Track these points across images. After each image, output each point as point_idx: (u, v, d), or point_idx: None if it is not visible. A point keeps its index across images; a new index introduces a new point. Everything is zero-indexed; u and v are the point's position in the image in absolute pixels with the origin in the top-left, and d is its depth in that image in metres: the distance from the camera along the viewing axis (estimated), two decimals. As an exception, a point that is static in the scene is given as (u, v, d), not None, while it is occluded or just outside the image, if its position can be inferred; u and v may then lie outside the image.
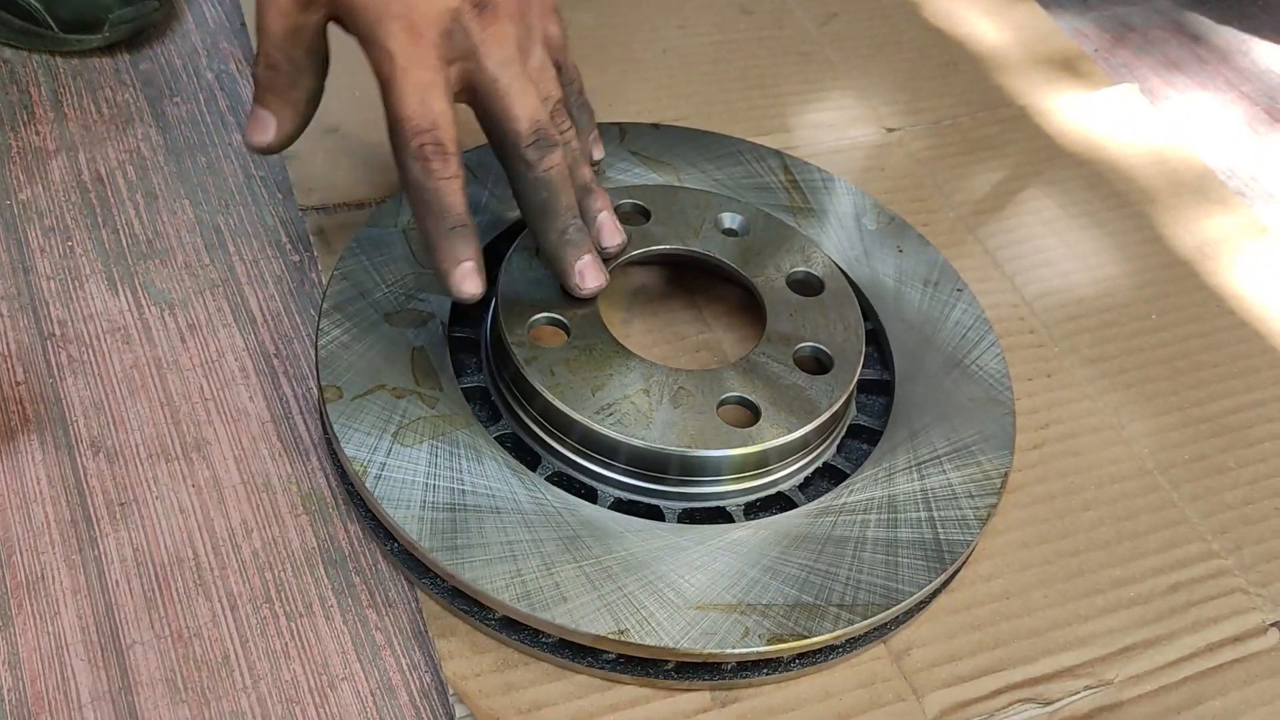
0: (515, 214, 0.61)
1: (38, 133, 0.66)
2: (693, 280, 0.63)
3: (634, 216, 0.59)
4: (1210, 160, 0.78)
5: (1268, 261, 0.70)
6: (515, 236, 0.58)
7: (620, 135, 0.66)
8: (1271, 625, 0.53)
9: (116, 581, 0.48)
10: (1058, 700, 0.49)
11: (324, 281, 0.58)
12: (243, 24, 0.74)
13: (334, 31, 0.71)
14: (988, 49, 0.83)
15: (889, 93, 0.78)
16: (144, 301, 0.59)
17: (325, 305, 0.55)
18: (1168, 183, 0.74)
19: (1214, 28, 0.91)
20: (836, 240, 0.63)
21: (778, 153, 0.67)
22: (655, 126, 0.67)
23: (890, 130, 0.76)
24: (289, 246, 0.63)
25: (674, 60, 0.78)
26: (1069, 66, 0.82)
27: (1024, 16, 0.87)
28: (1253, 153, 0.80)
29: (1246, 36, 0.91)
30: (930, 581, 0.49)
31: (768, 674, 0.48)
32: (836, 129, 0.75)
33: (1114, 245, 0.70)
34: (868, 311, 0.60)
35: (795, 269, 0.58)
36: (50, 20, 0.68)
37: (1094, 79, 0.82)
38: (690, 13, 0.82)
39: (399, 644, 0.48)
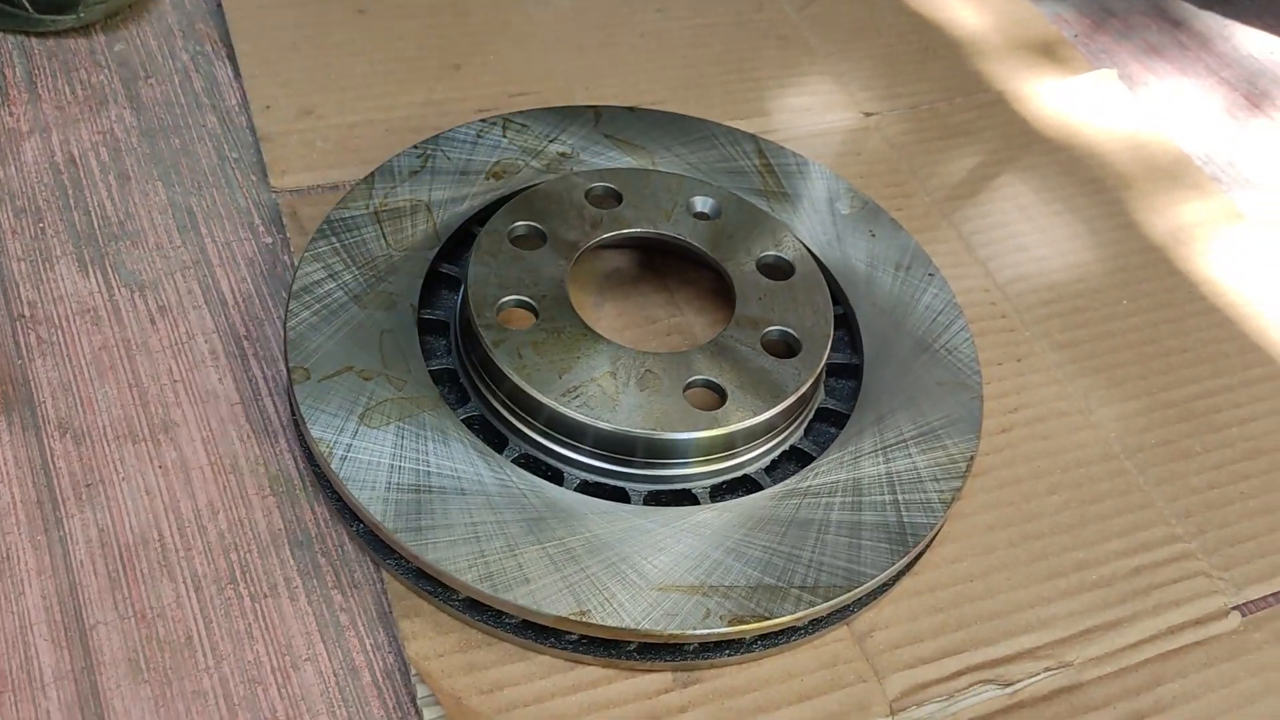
0: (487, 197, 0.61)
1: (11, 114, 0.66)
2: (664, 263, 0.64)
3: (606, 200, 0.59)
4: (1188, 146, 0.78)
5: (1241, 247, 0.70)
6: (486, 220, 0.58)
7: (595, 119, 0.66)
8: (1233, 609, 0.54)
9: (81, 562, 0.49)
10: (1018, 681, 0.50)
11: (296, 264, 0.58)
12: (219, 5, 0.73)
13: (312, 15, 0.71)
14: (967, 34, 0.83)
15: (867, 78, 0.78)
16: (114, 283, 0.59)
17: (295, 287, 0.55)
18: (1143, 169, 0.74)
19: (1196, 13, 0.91)
20: (809, 224, 0.63)
21: (752, 137, 0.67)
22: (631, 110, 0.67)
23: (868, 115, 0.76)
24: (261, 229, 0.63)
25: (652, 43, 0.78)
26: (1048, 52, 0.82)
27: (1004, 1, 0.86)
28: (1230, 139, 0.80)
29: (1228, 22, 0.91)
30: (892, 564, 0.49)
31: (730, 655, 0.48)
32: (814, 113, 0.75)
33: (1088, 231, 0.70)
34: (839, 296, 0.60)
35: (766, 253, 0.58)
36: (25, 0, 0.68)
37: (1073, 64, 0.81)
38: (669, -4, 0.82)
39: (363, 625, 0.49)
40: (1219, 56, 0.87)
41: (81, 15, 0.69)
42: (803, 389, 0.53)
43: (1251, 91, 0.85)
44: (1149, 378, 0.63)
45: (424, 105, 0.70)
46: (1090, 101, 0.78)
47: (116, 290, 0.58)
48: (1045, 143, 0.75)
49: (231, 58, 0.71)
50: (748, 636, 0.48)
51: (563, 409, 0.50)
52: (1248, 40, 0.89)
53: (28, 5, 0.69)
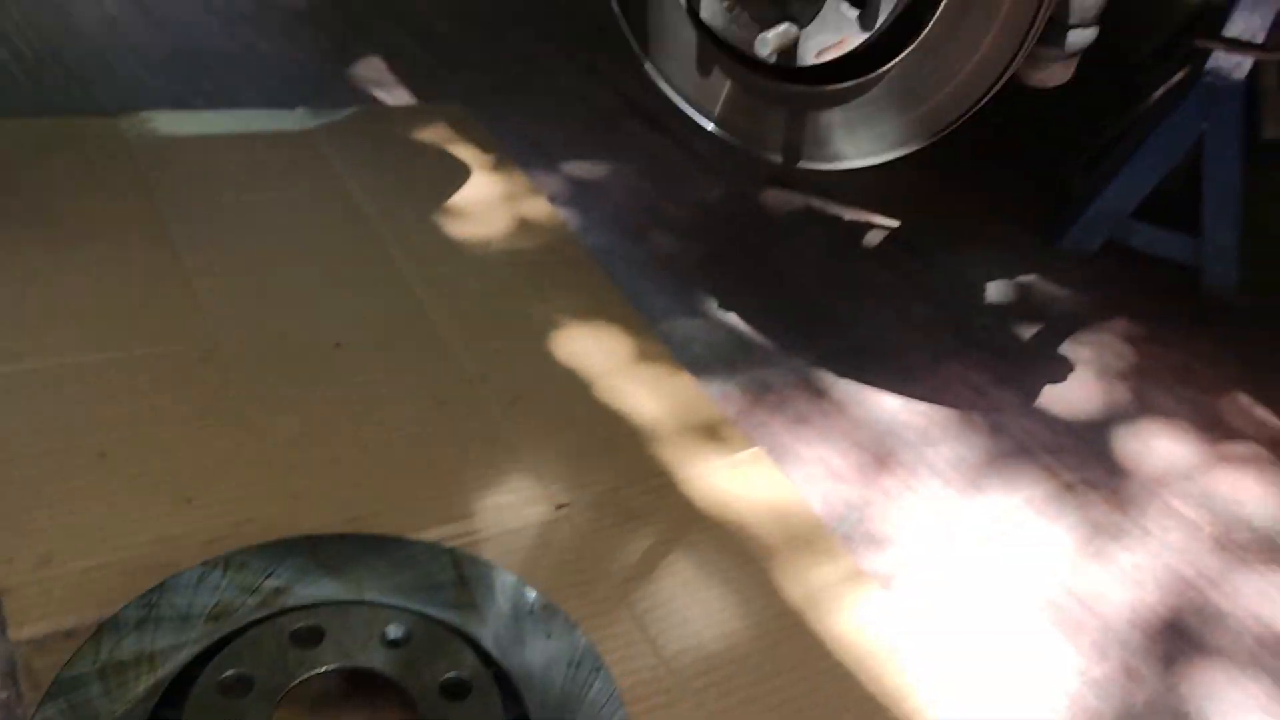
0: (206, 642, 0.70)
1: None
2: (369, 683, 0.73)
3: (309, 639, 0.70)
4: (826, 509, 0.95)
5: (860, 605, 0.86)
6: (206, 661, 0.67)
7: (310, 548, 0.77)
8: None
9: None
10: None
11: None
12: (-33, 460, 0.82)
13: (55, 463, 0.80)
14: (646, 421, 0.99)
15: (560, 470, 0.93)
16: None
17: (22, 753, 0.62)
18: (784, 538, 0.90)
19: (836, 381, 1.11)
20: (494, 632, 0.74)
21: (450, 550, 0.79)
22: (343, 537, 0.79)
23: (559, 506, 0.89)
24: (-2, 683, 0.69)
25: (371, 458, 0.90)
26: (711, 432, 0.99)
27: (677, 387, 1.04)
28: (861, 498, 0.98)
29: (862, 387, 1.11)
30: None
31: None
32: (513, 509, 0.88)
33: (739, 600, 0.84)
34: (519, 697, 0.71)
35: (448, 675, 0.69)
36: None
37: (733, 442, 0.98)
38: (389, 409, 0.95)
39: None
40: (853, 420, 1.07)
41: None
42: (476, 802, 0.63)
43: (879, 450, 1.03)
44: (785, 736, 0.75)
45: (156, 543, 0.79)
46: (742, 478, 0.95)
47: None
48: (705, 520, 0.90)
49: (-23, 512, 0.79)
50: None
51: None
52: (877, 404, 1.09)
53: None
